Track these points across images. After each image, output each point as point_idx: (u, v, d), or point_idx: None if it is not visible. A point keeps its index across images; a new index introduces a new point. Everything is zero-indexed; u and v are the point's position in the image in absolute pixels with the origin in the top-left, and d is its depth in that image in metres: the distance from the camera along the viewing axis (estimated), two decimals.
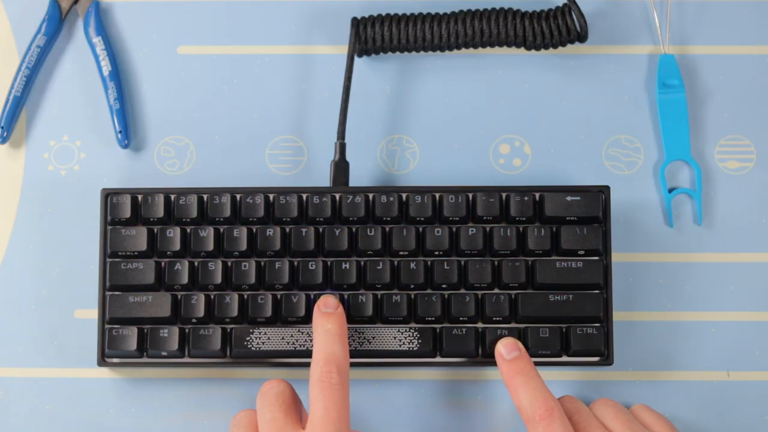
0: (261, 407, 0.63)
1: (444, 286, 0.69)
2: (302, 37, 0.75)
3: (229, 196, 0.69)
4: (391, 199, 0.69)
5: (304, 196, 0.69)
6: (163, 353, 0.68)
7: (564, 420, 0.63)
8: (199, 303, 0.68)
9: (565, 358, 0.69)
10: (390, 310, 0.68)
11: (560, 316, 0.68)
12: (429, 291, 0.69)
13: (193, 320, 0.68)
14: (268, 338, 0.68)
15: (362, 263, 0.69)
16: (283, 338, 0.68)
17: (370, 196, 0.69)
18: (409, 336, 0.68)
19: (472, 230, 0.69)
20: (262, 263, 0.69)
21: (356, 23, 0.72)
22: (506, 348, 0.67)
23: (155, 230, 0.69)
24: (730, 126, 0.73)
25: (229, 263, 0.69)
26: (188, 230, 0.69)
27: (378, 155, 0.73)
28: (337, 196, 0.69)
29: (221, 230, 0.69)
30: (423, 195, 0.69)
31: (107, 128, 0.74)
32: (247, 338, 0.68)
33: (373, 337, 0.68)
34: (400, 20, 0.72)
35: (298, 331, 0.68)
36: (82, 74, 0.74)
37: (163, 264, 0.69)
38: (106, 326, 0.69)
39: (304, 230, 0.69)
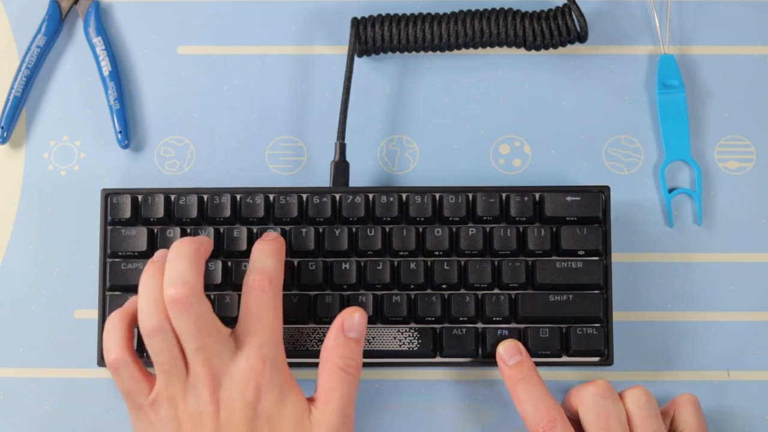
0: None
1: (444, 286, 0.69)
2: (302, 37, 0.75)
3: (229, 196, 0.69)
4: (391, 199, 0.69)
5: (304, 196, 0.69)
6: None
7: (567, 428, 0.63)
8: None
9: (565, 359, 0.69)
10: (390, 310, 0.68)
11: (560, 316, 0.68)
12: (429, 291, 0.69)
13: None
14: None
15: (362, 263, 0.69)
16: (283, 338, 0.68)
17: (370, 196, 0.69)
18: (409, 336, 0.68)
19: (472, 230, 0.69)
20: None
21: (356, 23, 0.72)
22: (507, 352, 0.67)
23: (155, 230, 0.69)
24: (730, 126, 0.73)
25: (229, 263, 0.69)
26: (188, 230, 0.69)
27: (378, 155, 0.73)
28: (337, 196, 0.69)
29: (221, 230, 0.69)
30: (423, 195, 0.69)
31: (107, 128, 0.74)
32: None
33: (373, 337, 0.68)
34: (400, 20, 0.72)
35: (299, 331, 0.68)
36: (82, 74, 0.74)
37: None
38: None
39: (304, 230, 0.69)
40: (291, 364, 0.69)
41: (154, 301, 0.61)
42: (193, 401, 0.61)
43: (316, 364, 0.69)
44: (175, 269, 0.61)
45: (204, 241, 0.64)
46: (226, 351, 0.61)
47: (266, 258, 0.64)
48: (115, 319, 0.63)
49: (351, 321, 0.64)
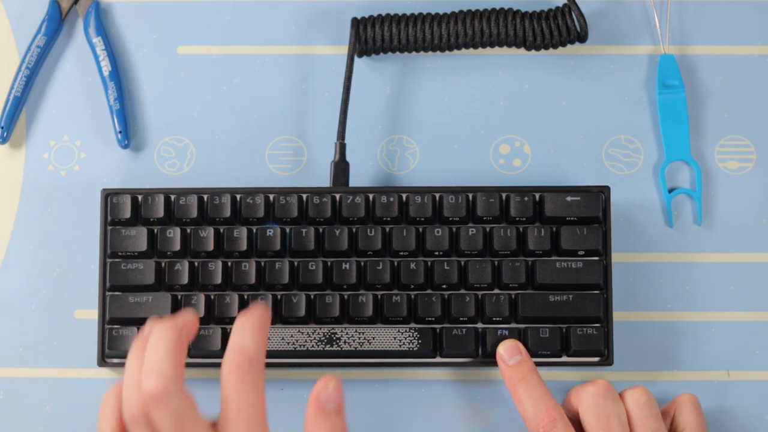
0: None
1: (444, 286, 0.69)
2: (302, 37, 0.75)
3: (229, 196, 0.69)
4: (391, 199, 0.69)
5: (304, 196, 0.69)
6: None
7: (568, 428, 0.63)
8: (199, 303, 0.68)
9: (565, 359, 0.69)
10: (390, 310, 0.68)
11: (560, 316, 0.68)
12: (429, 291, 0.69)
13: None
14: (268, 338, 0.68)
15: (362, 263, 0.69)
16: (283, 338, 0.68)
17: (370, 196, 0.69)
18: (409, 336, 0.68)
19: (472, 230, 0.69)
20: (262, 263, 0.69)
21: (356, 23, 0.72)
22: (507, 352, 0.67)
23: (155, 230, 0.69)
24: (730, 126, 0.73)
25: (229, 263, 0.69)
26: (188, 230, 0.69)
27: (378, 155, 0.73)
28: (337, 196, 0.69)
29: (221, 230, 0.69)
30: (423, 195, 0.69)
31: (107, 128, 0.74)
32: None
33: (373, 337, 0.68)
34: (400, 20, 0.72)
35: (298, 331, 0.68)
36: (82, 74, 0.74)
37: (163, 264, 0.69)
38: (106, 326, 0.69)
39: (304, 230, 0.69)
40: (291, 365, 0.69)
41: (134, 388, 0.58)
42: None
43: (316, 365, 0.69)
44: (153, 361, 0.57)
45: (187, 323, 0.59)
46: None
47: (246, 334, 0.58)
48: (110, 400, 0.60)
49: (326, 393, 0.59)
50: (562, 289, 0.69)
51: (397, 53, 0.74)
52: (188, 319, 0.60)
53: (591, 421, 0.64)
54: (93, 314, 0.71)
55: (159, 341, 0.58)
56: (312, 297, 0.69)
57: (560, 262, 0.69)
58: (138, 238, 0.69)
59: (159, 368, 0.56)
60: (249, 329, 0.59)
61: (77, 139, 0.74)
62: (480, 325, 0.69)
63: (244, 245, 0.69)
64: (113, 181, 0.73)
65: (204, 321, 0.68)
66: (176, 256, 0.69)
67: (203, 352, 0.68)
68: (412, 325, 0.69)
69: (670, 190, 0.72)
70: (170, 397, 0.56)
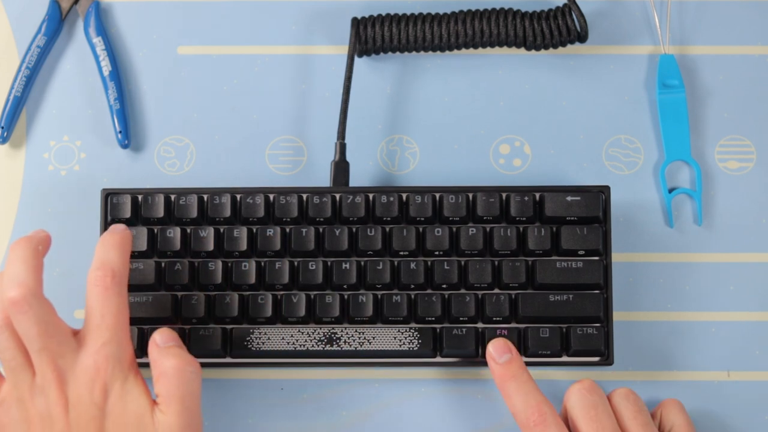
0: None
1: (444, 286, 0.69)
2: (302, 37, 0.75)
3: (229, 196, 0.69)
4: (391, 199, 0.69)
5: (304, 196, 0.69)
6: None
7: (558, 423, 0.63)
8: (199, 303, 0.68)
9: (565, 358, 0.69)
10: (390, 310, 0.68)
11: (560, 316, 0.68)
12: (429, 291, 0.69)
13: (193, 320, 0.68)
14: (268, 338, 0.68)
15: (362, 263, 0.69)
16: (283, 338, 0.68)
17: (370, 196, 0.69)
18: (409, 336, 0.68)
19: (472, 230, 0.69)
20: (262, 263, 0.69)
21: (356, 23, 0.72)
22: (497, 351, 0.66)
23: (155, 230, 0.69)
24: (730, 126, 0.73)
25: (229, 263, 0.69)
26: (188, 230, 0.69)
27: (378, 155, 0.73)
28: (337, 196, 0.69)
29: (221, 230, 0.69)
30: (423, 195, 0.69)
31: (107, 128, 0.74)
32: (247, 338, 0.68)
33: (373, 337, 0.68)
34: (400, 20, 0.72)
35: (299, 331, 0.68)
36: (82, 74, 0.74)
37: (163, 264, 0.69)
38: None
39: (304, 230, 0.69)
40: (291, 364, 0.69)
41: None
42: (41, 402, 0.61)
43: (316, 365, 0.69)
44: (12, 272, 0.60)
45: (42, 239, 0.63)
46: (69, 351, 0.61)
47: (109, 251, 0.63)
48: None
49: (162, 336, 0.64)
50: (562, 289, 0.69)
51: (397, 53, 0.74)
52: (42, 235, 0.63)
53: (579, 416, 0.64)
54: None
55: (16, 254, 0.61)
56: (312, 297, 0.69)
57: (560, 262, 0.69)
58: (138, 237, 0.69)
59: (18, 278, 0.60)
60: (111, 246, 0.63)
61: (77, 139, 0.74)
62: (480, 325, 0.69)
63: (244, 245, 0.69)
64: (113, 181, 0.73)
65: (204, 321, 0.68)
66: (176, 255, 0.69)
67: (203, 352, 0.68)
68: (412, 324, 0.69)
69: (670, 190, 0.72)
70: (31, 304, 0.60)
